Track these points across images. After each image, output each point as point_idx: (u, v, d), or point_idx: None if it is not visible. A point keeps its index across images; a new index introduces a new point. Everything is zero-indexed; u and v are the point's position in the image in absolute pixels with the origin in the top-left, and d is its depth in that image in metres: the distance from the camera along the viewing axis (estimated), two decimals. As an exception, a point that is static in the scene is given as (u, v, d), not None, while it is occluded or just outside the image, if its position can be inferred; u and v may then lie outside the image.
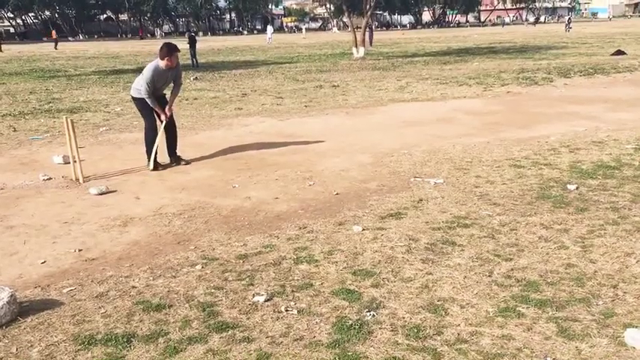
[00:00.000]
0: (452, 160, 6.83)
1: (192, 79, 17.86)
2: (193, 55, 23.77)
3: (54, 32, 51.19)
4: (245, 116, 10.65)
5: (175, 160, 7.15)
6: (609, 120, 9.12)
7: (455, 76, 16.49)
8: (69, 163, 6.73)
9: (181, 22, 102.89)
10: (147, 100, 6.81)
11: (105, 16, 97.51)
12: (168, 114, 6.99)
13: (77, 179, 6.42)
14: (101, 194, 5.88)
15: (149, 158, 6.90)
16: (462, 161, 6.77)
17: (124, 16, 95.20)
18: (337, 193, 5.69)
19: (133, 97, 7.14)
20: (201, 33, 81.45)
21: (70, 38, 72.76)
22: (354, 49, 26.02)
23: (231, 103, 12.44)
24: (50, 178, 6.54)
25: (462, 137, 8.15)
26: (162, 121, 6.98)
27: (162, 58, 6.78)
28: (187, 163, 7.13)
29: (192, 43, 23.92)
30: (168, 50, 6.78)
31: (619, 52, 22.34)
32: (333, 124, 9.64)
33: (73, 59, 31.31)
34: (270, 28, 52.26)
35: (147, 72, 6.79)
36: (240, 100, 13.01)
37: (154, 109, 6.94)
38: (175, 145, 7.22)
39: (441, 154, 7.14)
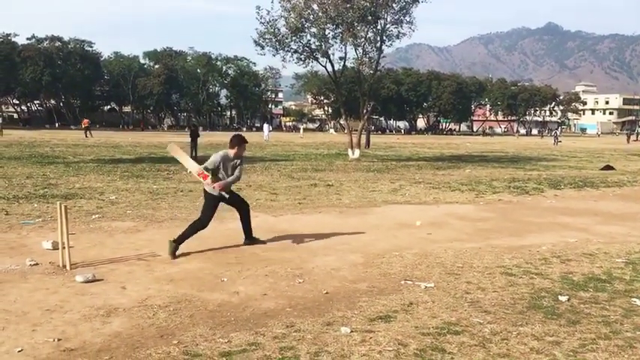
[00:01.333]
0: (443, 265, 6.80)
1: (188, 171, 18.06)
2: (194, 147, 24.23)
3: (86, 121, 49.30)
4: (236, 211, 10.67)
5: (251, 241, 7.73)
6: (600, 233, 9.19)
7: (447, 181, 16.77)
8: (58, 249, 6.66)
9: (183, 117, 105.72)
10: (205, 169, 7.44)
11: (109, 107, 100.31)
12: (219, 187, 7.41)
13: (64, 266, 6.33)
14: (87, 282, 5.79)
15: (176, 244, 7.03)
16: (453, 266, 6.75)
17: (127, 108, 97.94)
18: (327, 293, 5.62)
19: (205, 192, 7.65)
20: (201, 127, 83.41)
21: (72, 127, 74.28)
22: (349, 151, 26.60)
23: (226, 197, 12.52)
24: (37, 264, 6.45)
25: (454, 242, 8.17)
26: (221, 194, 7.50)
27: (232, 148, 7.44)
28: (264, 242, 7.79)
29: (194, 136, 24.47)
30: (238, 141, 7.46)
31: (608, 167, 22.90)
32: (325, 222, 9.68)
33: (72, 147, 31.82)
34: (267, 126, 53.67)
35: (216, 155, 7.45)
36: (235, 194, 13.11)
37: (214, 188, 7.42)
38: (250, 226, 7.80)
39: (433, 258, 7.13)
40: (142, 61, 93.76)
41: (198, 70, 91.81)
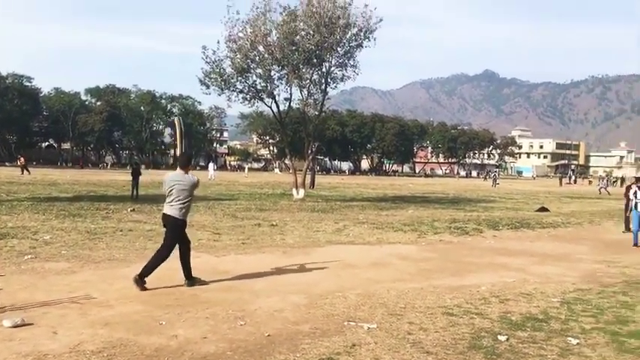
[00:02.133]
0: (386, 305, 6.82)
1: (129, 210, 17.64)
2: (135, 186, 23.66)
3: (22, 157, 47.99)
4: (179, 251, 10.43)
5: (192, 282, 7.58)
6: (536, 273, 9.46)
7: (390, 221, 16.97)
8: (-16, 291, 6.31)
9: (125, 154, 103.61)
10: None
11: (47, 143, 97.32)
12: None
13: (-9, 309, 5.99)
14: (15, 327, 5.48)
15: (145, 275, 7.22)
16: (395, 306, 6.77)
17: (66, 145, 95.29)
18: (269, 335, 5.52)
19: (182, 221, 7.53)
20: (143, 166, 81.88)
21: (7, 163, 71.49)
22: (294, 191, 26.62)
23: (167, 237, 12.23)
24: (-39, 307, 6.08)
25: (397, 282, 8.22)
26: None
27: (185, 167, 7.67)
28: (206, 283, 7.65)
29: (136, 174, 23.91)
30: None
31: (543, 209, 23.76)
32: (269, 262, 9.57)
33: (7, 184, 30.54)
34: (212, 165, 53.22)
35: (196, 182, 7.58)
36: (177, 234, 12.84)
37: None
38: (190, 265, 7.69)
39: (376, 299, 7.14)
40: (83, 97, 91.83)
41: (142, 108, 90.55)
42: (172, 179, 7.50)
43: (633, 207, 13.57)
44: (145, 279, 7.28)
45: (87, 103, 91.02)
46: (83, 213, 16.48)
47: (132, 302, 6.63)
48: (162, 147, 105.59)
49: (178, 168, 7.70)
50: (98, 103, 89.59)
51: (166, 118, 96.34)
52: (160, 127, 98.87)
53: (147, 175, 45.04)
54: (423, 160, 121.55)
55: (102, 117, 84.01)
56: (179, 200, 7.42)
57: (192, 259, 7.81)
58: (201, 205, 20.93)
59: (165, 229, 7.65)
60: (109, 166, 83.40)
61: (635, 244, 13.10)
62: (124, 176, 35.03)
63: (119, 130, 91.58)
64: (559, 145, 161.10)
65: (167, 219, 7.51)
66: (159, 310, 6.31)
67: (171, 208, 7.45)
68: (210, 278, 8.02)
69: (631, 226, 13.95)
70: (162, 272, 8.32)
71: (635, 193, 13.58)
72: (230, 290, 7.42)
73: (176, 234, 7.55)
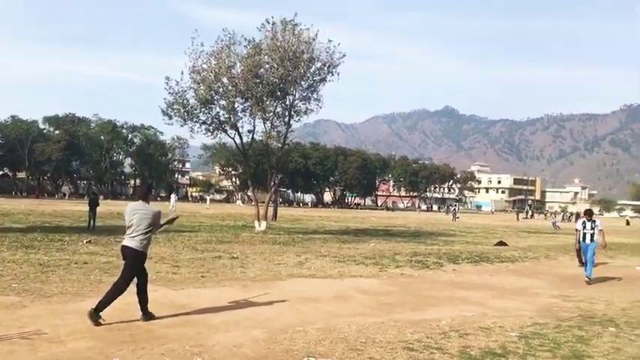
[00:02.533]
0: (346, 340, 6.76)
1: (84, 242, 17.18)
2: (92, 217, 23.12)
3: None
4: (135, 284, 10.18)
5: (148, 316, 7.39)
6: (495, 307, 9.54)
7: (352, 255, 16.95)
8: None
9: (82, 184, 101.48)
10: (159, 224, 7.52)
11: (1, 172, 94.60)
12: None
13: None
14: (-42, 364, 5.22)
15: (101, 309, 7.05)
16: (356, 341, 6.72)
17: (22, 174, 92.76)
18: (226, 372, 5.39)
19: (142, 253, 7.35)
20: (102, 196, 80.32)
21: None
22: (256, 223, 26.42)
23: (124, 270, 11.93)
24: None
25: (357, 316, 8.17)
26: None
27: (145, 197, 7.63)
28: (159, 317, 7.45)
29: (93, 205, 23.37)
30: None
31: (501, 243, 24.13)
32: (228, 296, 9.41)
33: (-44, 213, 29.49)
34: (173, 196, 52.55)
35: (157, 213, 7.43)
36: (134, 266, 12.54)
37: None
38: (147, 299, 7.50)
39: (336, 333, 7.07)
40: (41, 126, 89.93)
41: (102, 138, 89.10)
42: (133, 210, 7.38)
43: (581, 238, 13.60)
44: (101, 313, 7.07)
45: (45, 131, 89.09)
46: (36, 244, 15.98)
47: (84, 338, 6.40)
48: (122, 177, 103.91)
49: (139, 199, 7.61)
50: (57, 132, 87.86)
51: (127, 148, 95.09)
52: (121, 157, 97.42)
53: (105, 206, 44.14)
54: (385, 194, 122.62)
55: (60, 146, 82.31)
56: (139, 232, 7.28)
57: (149, 293, 7.62)
58: (161, 237, 20.55)
59: (124, 262, 7.46)
60: (67, 196, 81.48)
61: (587, 279, 12.96)
62: (81, 206, 34.25)
63: (77, 159, 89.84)
64: (516, 181, 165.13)
65: (127, 251, 7.34)
66: (112, 346, 6.11)
67: (131, 240, 7.30)
68: (168, 312, 7.83)
69: (585, 256, 13.61)
70: (117, 306, 8.09)
71: (584, 223, 13.62)
72: (188, 325, 7.24)
73: (136, 266, 7.38)
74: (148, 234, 7.37)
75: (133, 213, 7.35)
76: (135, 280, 7.46)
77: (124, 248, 7.39)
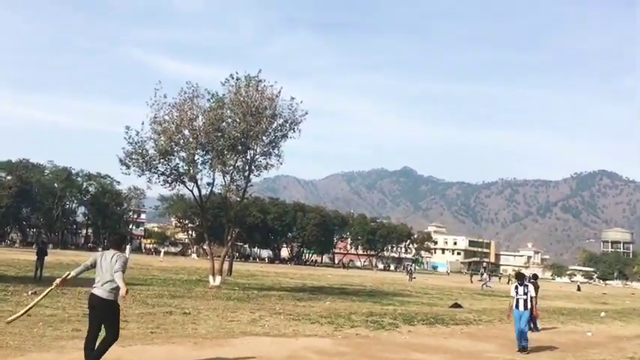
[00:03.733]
0: (298, 403, 6.57)
1: (29, 292, 16.49)
2: (40, 267, 22.26)
3: None
4: (82, 339, 9.73)
5: None
6: (449, 370, 9.48)
7: (307, 313, 16.72)
8: None
9: (32, 232, 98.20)
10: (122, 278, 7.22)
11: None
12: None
13: None
14: None
15: None
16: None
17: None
18: None
19: (110, 302, 7.21)
20: (51, 245, 77.76)
21: None
22: (210, 277, 25.90)
23: (69, 324, 11.46)
24: None
25: (311, 378, 7.99)
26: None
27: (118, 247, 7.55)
28: None
29: (41, 254, 22.54)
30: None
31: (456, 305, 24.22)
32: (177, 354, 9.11)
33: None
34: (128, 247, 51.41)
35: (124, 260, 7.33)
36: (80, 320, 12.04)
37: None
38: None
39: (288, 396, 6.87)
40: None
41: (56, 185, 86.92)
42: (103, 258, 7.34)
43: (514, 305, 12.43)
44: None
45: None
46: (-22, 294, 15.24)
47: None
48: (74, 226, 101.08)
49: (111, 248, 7.55)
50: (9, 178, 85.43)
51: (81, 197, 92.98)
52: (74, 205, 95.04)
53: (54, 256, 42.72)
54: (342, 251, 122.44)
55: (10, 192, 79.85)
56: (108, 281, 7.23)
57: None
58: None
59: (90, 311, 7.33)
60: (17, 244, 78.60)
61: (521, 348, 12.11)
62: (28, 255, 33.00)
63: (28, 206, 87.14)
64: (472, 243, 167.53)
65: (95, 299, 7.24)
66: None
67: (100, 289, 7.24)
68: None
69: (518, 325, 12.28)
70: (60, 362, 7.72)
71: (516, 288, 12.48)
72: (133, 384, 6.93)
73: (116, 315, 7.37)
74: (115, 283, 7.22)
75: (104, 261, 7.32)
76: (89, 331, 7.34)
77: (93, 297, 7.31)
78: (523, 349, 12.15)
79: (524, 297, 12.23)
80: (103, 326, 7.26)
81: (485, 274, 57.86)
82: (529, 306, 12.29)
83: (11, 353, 8.13)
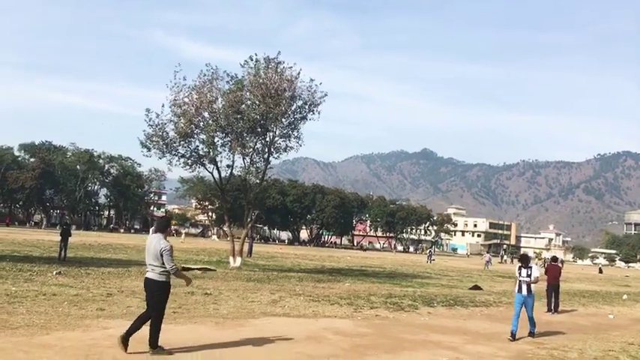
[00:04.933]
0: (319, 383, 6.64)
1: (54, 273, 16.81)
2: (64, 247, 22.67)
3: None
4: (106, 318, 9.98)
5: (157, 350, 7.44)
6: (468, 352, 9.49)
7: (327, 294, 16.81)
8: None
9: (55, 214, 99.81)
10: (176, 273, 7.65)
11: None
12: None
13: None
14: None
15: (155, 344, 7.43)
16: (328, 384, 6.61)
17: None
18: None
19: (160, 282, 7.53)
20: (74, 226, 79.02)
21: None
22: (230, 259, 26.15)
23: (94, 303, 11.68)
24: None
25: (331, 358, 8.07)
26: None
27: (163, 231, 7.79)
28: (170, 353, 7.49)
29: (65, 235, 22.95)
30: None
31: (476, 287, 24.16)
32: (200, 334, 9.24)
33: None
34: (152, 230, 52.16)
35: (168, 252, 7.49)
36: (105, 300, 12.28)
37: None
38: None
39: (308, 375, 6.95)
40: (16, 153, 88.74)
41: (78, 167, 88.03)
42: (149, 242, 7.62)
43: (516, 289, 11.68)
44: (161, 346, 7.52)
45: (20, 159, 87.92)
46: (4, 274, 15.59)
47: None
48: (96, 208, 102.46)
49: (157, 232, 7.82)
50: (32, 160, 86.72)
51: (103, 179, 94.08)
52: (96, 187, 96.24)
53: (77, 237, 43.44)
54: (361, 233, 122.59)
55: (34, 174, 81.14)
56: (155, 265, 7.52)
57: (119, 328, 7.47)
58: (134, 269, 20.23)
59: (146, 294, 7.75)
60: (43, 225, 80.00)
61: (512, 336, 11.19)
62: (53, 236, 33.58)
63: (51, 188, 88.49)
64: (492, 225, 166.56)
65: (148, 283, 7.61)
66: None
67: (151, 273, 7.55)
68: (138, 349, 7.64)
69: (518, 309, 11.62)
70: (87, 341, 7.89)
71: (519, 270, 11.63)
72: (157, 362, 7.06)
73: (162, 296, 7.62)
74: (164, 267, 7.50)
75: (149, 246, 7.60)
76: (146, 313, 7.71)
77: (146, 280, 7.67)
78: (530, 333, 11.63)
79: (527, 279, 11.44)
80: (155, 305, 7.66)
81: (488, 254, 57.68)
82: (533, 290, 11.61)
83: (37, 332, 8.31)
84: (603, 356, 10.08)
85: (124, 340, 7.30)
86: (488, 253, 56.50)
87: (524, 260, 11.94)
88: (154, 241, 7.57)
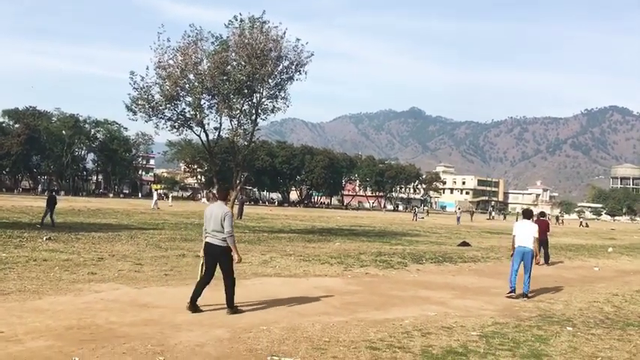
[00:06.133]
0: (310, 339, 6.77)
1: (44, 239, 16.80)
2: (50, 213, 22.56)
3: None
4: (98, 282, 10.03)
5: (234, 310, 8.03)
6: (457, 307, 9.68)
7: (317, 254, 16.97)
8: None
9: (43, 179, 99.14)
10: (232, 238, 8.03)
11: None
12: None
13: None
14: None
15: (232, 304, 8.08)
16: (320, 340, 6.74)
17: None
18: (189, 371, 5.34)
19: (224, 248, 8.01)
20: (63, 192, 78.63)
21: None
22: (221, 221, 26.19)
23: (85, 267, 11.72)
24: None
25: (321, 315, 8.19)
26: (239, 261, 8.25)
27: (224, 199, 8.53)
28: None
29: (51, 202, 22.79)
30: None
31: (464, 244, 24.49)
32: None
33: None
34: (155, 194, 52.55)
35: (230, 218, 8.02)
36: (96, 264, 12.33)
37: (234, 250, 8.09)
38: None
39: (300, 332, 7.07)
40: (0, 119, 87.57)
41: (64, 132, 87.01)
42: (210, 211, 8.17)
43: (517, 244, 11.40)
44: (237, 306, 8.12)
45: (4, 125, 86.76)
46: (-6, 241, 15.55)
47: (43, 337, 6.26)
48: (84, 173, 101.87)
49: (219, 200, 8.52)
50: (16, 126, 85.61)
51: (89, 144, 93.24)
52: (83, 152, 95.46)
53: (66, 202, 43.28)
54: (351, 193, 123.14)
55: (20, 140, 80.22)
56: (218, 231, 8.00)
57: (111, 291, 7.53)
58: (124, 234, 20.27)
59: (206, 258, 8.25)
60: (39, 191, 79.55)
61: (512, 291, 11.02)
62: (41, 202, 33.40)
63: (38, 154, 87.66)
64: (480, 182, 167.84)
65: (210, 248, 8.13)
66: (72, 345, 5.99)
67: (213, 238, 8.06)
68: (130, 311, 7.72)
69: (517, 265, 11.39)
70: (78, 305, 7.95)
71: (521, 226, 11.54)
72: (150, 324, 7.15)
73: (230, 260, 8.12)
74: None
75: (211, 213, 8.09)
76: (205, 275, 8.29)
77: (208, 245, 8.16)
78: (524, 294, 11.02)
79: (530, 233, 11.13)
80: (220, 271, 8.18)
81: (460, 209, 58.59)
82: (533, 247, 11.14)
83: (30, 297, 8.36)
84: (588, 307, 10.33)
85: (193, 306, 7.94)
86: (459, 209, 57.36)
87: (528, 215, 11.83)
88: (215, 208, 8.12)
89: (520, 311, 9.57)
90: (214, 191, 76.13)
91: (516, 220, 18.96)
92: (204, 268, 8.29)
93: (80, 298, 8.56)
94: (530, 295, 11.14)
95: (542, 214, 20.49)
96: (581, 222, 71.91)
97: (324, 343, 6.61)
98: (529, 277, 11.21)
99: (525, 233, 11.22)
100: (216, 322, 7.39)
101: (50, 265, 11.79)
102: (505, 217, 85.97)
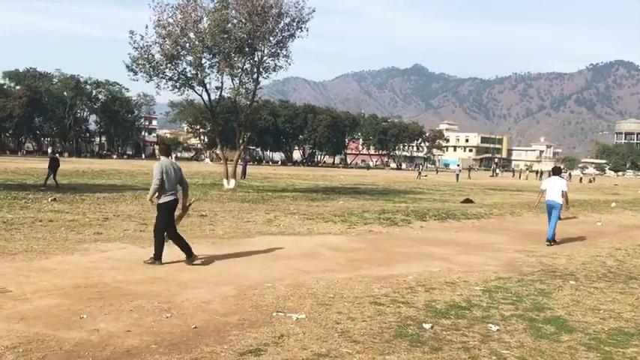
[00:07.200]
0: (315, 296, 6.84)
1: (50, 200, 16.89)
2: (53, 176, 22.53)
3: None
4: (104, 242, 10.12)
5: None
6: (460, 262, 9.75)
7: (321, 212, 17.04)
8: None
9: (46, 141, 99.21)
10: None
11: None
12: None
13: None
14: None
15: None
16: (324, 297, 6.81)
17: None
18: (195, 327, 5.42)
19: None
20: (66, 154, 78.78)
21: None
22: (225, 181, 26.29)
23: (91, 227, 11.80)
24: None
25: (326, 272, 8.27)
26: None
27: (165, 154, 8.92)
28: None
29: (54, 165, 22.70)
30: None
31: (467, 201, 24.53)
32: (197, 253, 9.39)
33: None
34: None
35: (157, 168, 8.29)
36: (101, 224, 12.41)
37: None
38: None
39: (305, 289, 7.15)
40: (1, 81, 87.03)
41: (65, 94, 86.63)
42: (168, 167, 8.44)
43: (547, 198, 12.68)
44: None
45: (5, 87, 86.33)
46: (-1, 202, 15.65)
47: (50, 295, 6.34)
48: (87, 134, 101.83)
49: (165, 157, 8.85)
50: (17, 88, 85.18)
51: (91, 105, 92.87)
52: (85, 113, 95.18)
53: (70, 164, 43.41)
54: (354, 152, 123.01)
55: (21, 102, 79.98)
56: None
57: (117, 250, 7.59)
58: (128, 194, 20.35)
59: (170, 212, 8.73)
60: (50, 152, 79.47)
61: (551, 240, 12.37)
62: (45, 164, 33.51)
63: (40, 116, 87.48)
64: (484, 139, 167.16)
65: (176, 203, 8.73)
66: (80, 303, 6.07)
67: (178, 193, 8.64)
68: (136, 270, 7.80)
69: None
70: (85, 264, 8.03)
71: (550, 182, 12.78)
72: (156, 282, 7.23)
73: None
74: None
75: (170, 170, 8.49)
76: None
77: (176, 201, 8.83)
78: (547, 240, 12.40)
79: (558, 189, 12.40)
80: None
81: (459, 167, 58.87)
82: (561, 201, 12.40)
83: (36, 257, 8.44)
84: (591, 261, 10.39)
85: (190, 259, 8.49)
86: (459, 166, 57.68)
87: (557, 171, 13.29)
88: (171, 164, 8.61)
89: (523, 266, 9.64)
90: (217, 151, 76.01)
91: (519, 178, 19.38)
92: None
93: (87, 257, 8.64)
94: (551, 243, 12.26)
95: (557, 169, 20.47)
96: (581, 178, 71.80)
97: (329, 299, 6.68)
98: (554, 227, 12.39)
99: (555, 188, 12.48)
100: (221, 280, 7.47)
101: (56, 225, 11.87)
102: (513, 174, 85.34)
